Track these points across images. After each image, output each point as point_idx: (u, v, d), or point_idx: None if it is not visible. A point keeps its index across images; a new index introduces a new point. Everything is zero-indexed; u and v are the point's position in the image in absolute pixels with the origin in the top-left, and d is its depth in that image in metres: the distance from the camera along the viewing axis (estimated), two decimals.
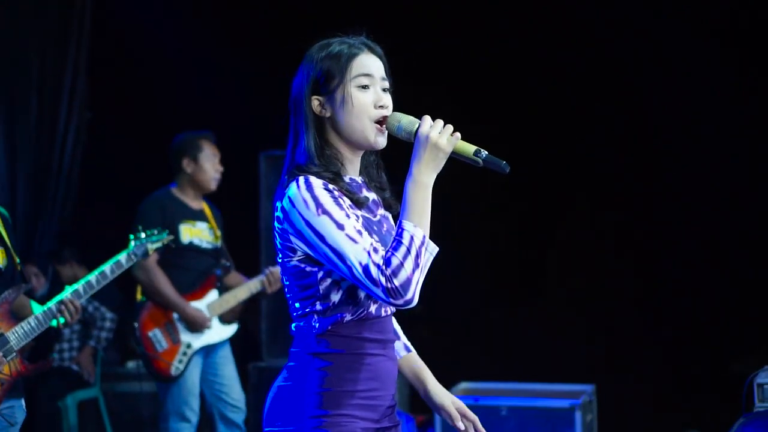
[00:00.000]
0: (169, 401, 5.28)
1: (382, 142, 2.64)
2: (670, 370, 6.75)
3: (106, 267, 4.33)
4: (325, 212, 2.47)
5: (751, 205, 6.65)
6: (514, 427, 5.41)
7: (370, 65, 2.63)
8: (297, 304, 2.61)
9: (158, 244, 4.62)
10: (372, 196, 2.73)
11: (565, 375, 6.00)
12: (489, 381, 5.93)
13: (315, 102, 2.64)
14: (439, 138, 2.50)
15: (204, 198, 5.62)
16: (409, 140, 2.58)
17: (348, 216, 2.48)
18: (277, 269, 5.36)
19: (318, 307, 2.56)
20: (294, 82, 2.69)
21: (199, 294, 5.38)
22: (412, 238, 2.44)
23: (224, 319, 5.44)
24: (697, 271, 6.76)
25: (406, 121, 2.59)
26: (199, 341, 5.32)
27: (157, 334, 5.25)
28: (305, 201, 2.48)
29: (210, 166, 5.52)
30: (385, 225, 2.70)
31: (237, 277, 5.65)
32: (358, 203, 2.60)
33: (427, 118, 2.55)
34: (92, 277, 4.24)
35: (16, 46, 6.83)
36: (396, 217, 2.66)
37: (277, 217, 2.58)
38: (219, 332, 5.42)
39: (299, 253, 2.55)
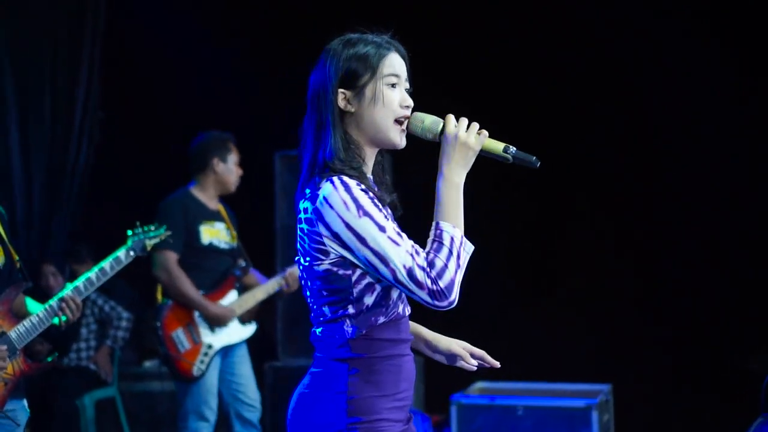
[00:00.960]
0: (189, 400, 5.30)
1: (403, 142, 2.65)
2: (686, 371, 6.74)
3: (106, 263, 4.33)
4: (366, 214, 2.44)
5: (751, 205, 6.66)
6: (531, 426, 5.42)
7: (397, 65, 2.65)
8: (325, 309, 2.56)
9: (156, 240, 4.63)
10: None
11: (580, 375, 6.04)
12: (505, 380, 5.95)
13: (341, 97, 2.61)
14: (468, 136, 2.54)
15: (219, 199, 5.65)
16: (433, 140, 2.60)
17: (387, 218, 2.46)
18: (295, 270, 5.38)
19: (351, 310, 2.52)
20: (313, 77, 2.67)
21: (220, 294, 5.42)
22: (452, 239, 2.45)
23: (242, 319, 5.47)
24: (717, 270, 6.78)
25: (430, 121, 2.61)
26: (219, 341, 5.36)
27: (179, 335, 5.29)
28: (345, 202, 2.45)
29: (236, 168, 5.58)
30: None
31: (253, 277, 5.68)
32: (382, 201, 2.59)
33: (451, 117, 2.59)
34: (92, 274, 4.25)
35: (30, 47, 6.81)
36: (400, 219, 2.66)
37: (306, 219, 2.53)
38: (239, 332, 5.47)
39: (332, 256, 2.50)
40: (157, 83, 7.60)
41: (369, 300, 2.53)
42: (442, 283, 2.40)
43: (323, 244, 2.50)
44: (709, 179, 6.82)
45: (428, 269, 2.41)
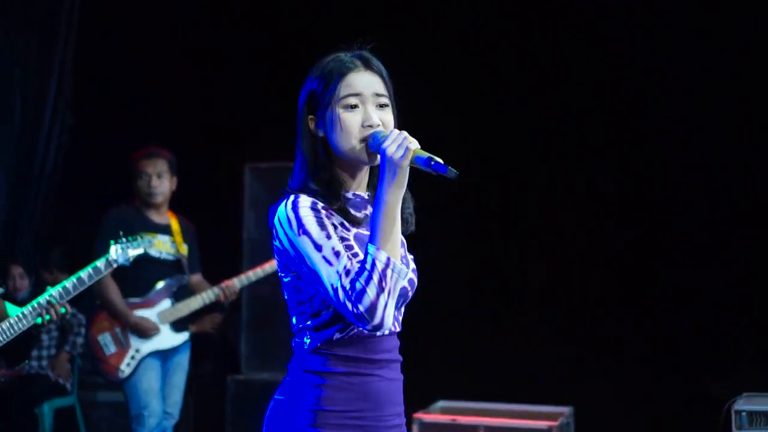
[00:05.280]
0: (130, 404, 5.56)
1: (375, 158, 2.57)
2: (648, 395, 6.72)
3: (84, 273, 4.34)
4: (306, 232, 2.46)
5: (720, 229, 6.62)
6: None
7: (357, 84, 2.57)
8: (294, 320, 2.61)
9: (140, 250, 4.68)
10: None
11: (543, 397, 6.03)
12: (467, 400, 5.95)
13: (311, 122, 2.62)
14: (395, 152, 2.43)
15: (178, 214, 5.85)
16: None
17: (329, 237, 2.46)
18: (233, 282, 5.72)
19: (309, 323, 2.56)
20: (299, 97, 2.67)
21: (152, 302, 5.62)
22: (374, 262, 2.40)
23: (176, 327, 5.68)
24: (677, 295, 6.74)
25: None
26: (147, 347, 5.57)
27: (106, 338, 5.54)
28: (289, 220, 2.49)
29: (143, 183, 5.71)
30: None
31: (204, 285, 5.86)
32: (354, 222, 2.58)
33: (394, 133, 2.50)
34: (69, 282, 4.26)
35: (0, 51, 6.78)
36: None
37: (273, 234, 2.58)
38: (170, 339, 5.67)
39: (292, 270, 2.56)
40: (130, 92, 7.57)
41: (326, 314, 2.54)
42: (361, 307, 2.38)
43: (282, 258, 2.57)
44: (672, 199, 6.78)
45: (349, 291, 2.39)
